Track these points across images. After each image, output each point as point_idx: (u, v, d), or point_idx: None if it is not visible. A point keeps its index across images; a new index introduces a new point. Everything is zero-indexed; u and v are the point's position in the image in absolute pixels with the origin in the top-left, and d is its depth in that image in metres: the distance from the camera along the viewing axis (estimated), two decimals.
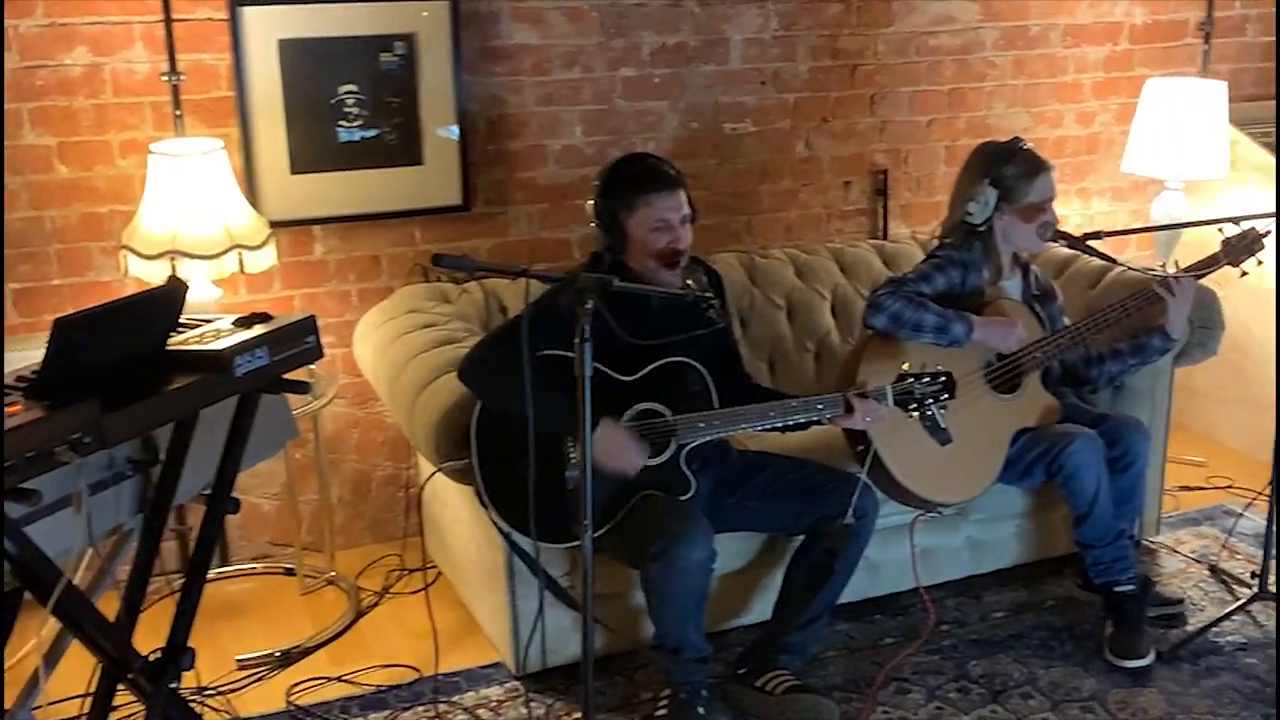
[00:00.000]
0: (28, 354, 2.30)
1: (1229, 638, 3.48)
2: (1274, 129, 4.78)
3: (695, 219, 3.13)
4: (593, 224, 3.11)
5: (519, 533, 2.99)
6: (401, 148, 3.76)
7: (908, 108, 4.38)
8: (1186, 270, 3.56)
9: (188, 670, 2.49)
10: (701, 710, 3.04)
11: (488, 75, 3.83)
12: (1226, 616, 3.54)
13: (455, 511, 3.48)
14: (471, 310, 3.63)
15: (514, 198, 3.96)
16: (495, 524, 3.05)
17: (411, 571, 3.80)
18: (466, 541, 3.46)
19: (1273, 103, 4.94)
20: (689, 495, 3.06)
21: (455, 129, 3.79)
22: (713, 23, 4.04)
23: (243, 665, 3.38)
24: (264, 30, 3.56)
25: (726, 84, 4.11)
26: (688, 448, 3.06)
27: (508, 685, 3.29)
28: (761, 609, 3.38)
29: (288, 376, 2.43)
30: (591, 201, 3.10)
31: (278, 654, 3.43)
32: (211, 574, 3.78)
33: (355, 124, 3.70)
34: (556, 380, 2.67)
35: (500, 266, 2.91)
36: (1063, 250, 4.01)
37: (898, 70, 4.33)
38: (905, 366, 3.14)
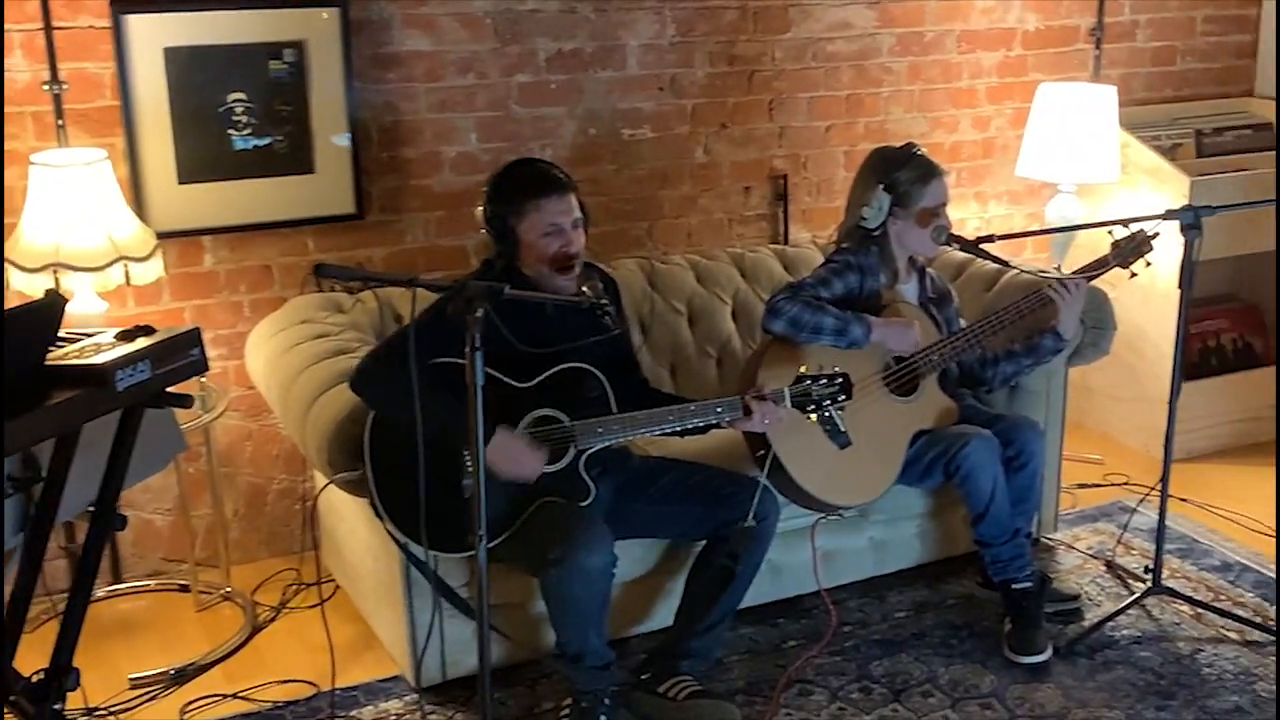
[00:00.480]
0: None
1: (1124, 632, 3.53)
2: (1161, 133, 4.89)
3: (587, 223, 3.12)
4: (483, 230, 3.08)
5: (415, 543, 2.96)
6: (292, 156, 3.70)
7: (806, 113, 4.40)
8: (1077, 272, 3.63)
9: (72, 690, 2.43)
10: (604, 718, 3.02)
11: (380, 82, 3.79)
12: (1121, 611, 3.59)
13: (351, 524, 3.44)
14: (365, 320, 3.58)
15: (409, 205, 3.91)
16: (390, 535, 3.01)
17: (309, 585, 3.73)
18: (363, 554, 3.41)
19: (1163, 106, 5.05)
20: (589, 501, 3.05)
21: (347, 137, 3.74)
22: (609, 29, 4.03)
23: (135, 684, 3.31)
24: (148, 38, 3.48)
25: (624, 90, 4.10)
26: (587, 453, 3.05)
27: (407, 699, 3.25)
28: (664, 615, 3.36)
29: (172, 390, 2.38)
30: (481, 207, 3.08)
31: (171, 672, 3.35)
32: (103, 591, 3.73)
33: (245, 132, 3.64)
34: (450, 388, 2.64)
35: (387, 276, 2.87)
36: (959, 254, 4.05)
37: (795, 76, 4.35)
38: (803, 369, 3.15)
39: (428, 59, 3.83)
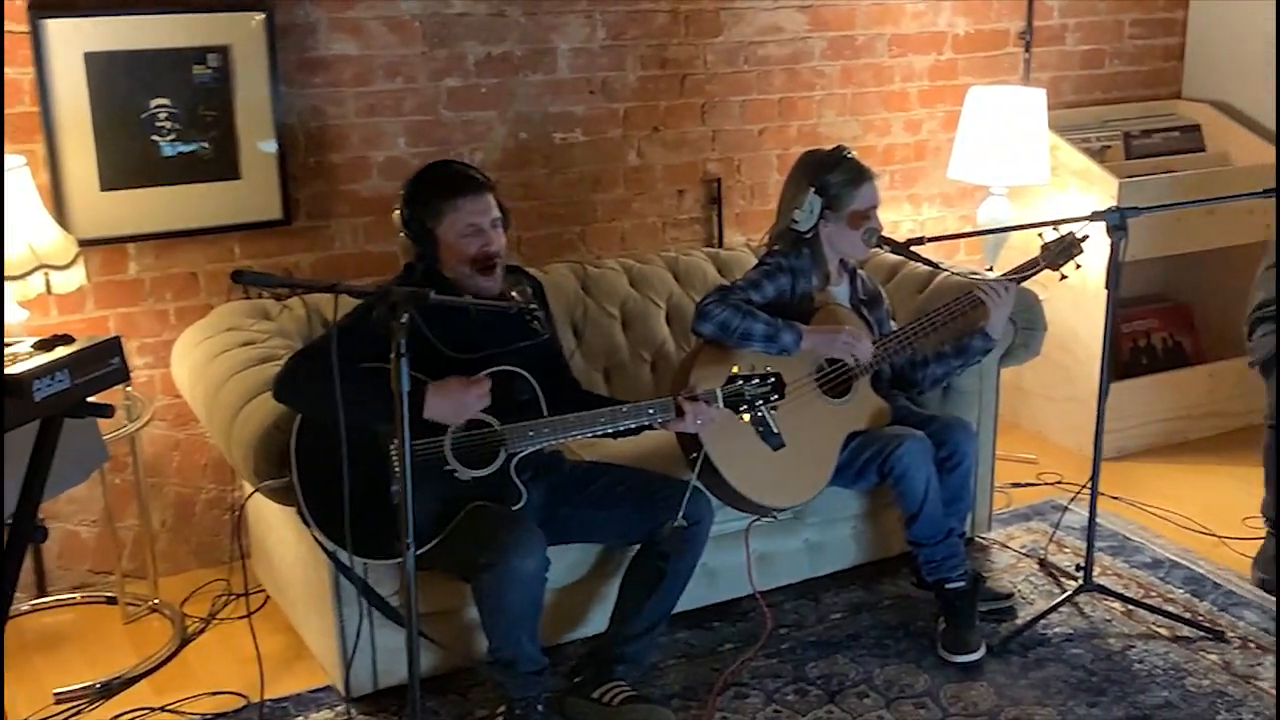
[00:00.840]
0: None
1: (1056, 629, 3.56)
2: (1091, 135, 4.94)
3: (507, 222, 3.12)
4: (401, 234, 3.06)
5: (343, 551, 2.92)
6: (218, 162, 3.65)
7: (739, 116, 4.41)
8: (1008, 274, 3.65)
9: None
10: None
11: (307, 87, 3.75)
12: (1053, 609, 3.62)
13: (280, 533, 3.40)
14: (293, 326, 3.54)
15: (337, 211, 3.87)
16: (319, 543, 2.98)
17: (238, 596, 3.68)
18: (292, 563, 3.37)
19: (1092, 109, 5.11)
20: (520, 505, 3.03)
21: (273, 142, 3.70)
22: (539, 32, 4.01)
23: (60, 699, 3.25)
24: (68, 43, 3.42)
25: (555, 93, 4.09)
26: (518, 457, 3.03)
27: (338, 709, 3.22)
28: (598, 621, 3.35)
29: (93, 400, 2.34)
30: (398, 211, 3.06)
31: (98, 685, 3.29)
32: (28, 605, 3.67)
33: (169, 138, 3.59)
34: (377, 389, 2.61)
35: (307, 282, 2.84)
36: (891, 256, 4.07)
37: (728, 79, 4.36)
38: (736, 369, 3.15)
39: (355, 63, 3.80)
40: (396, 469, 2.88)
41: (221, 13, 3.58)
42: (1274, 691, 3.26)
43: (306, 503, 2.93)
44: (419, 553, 2.84)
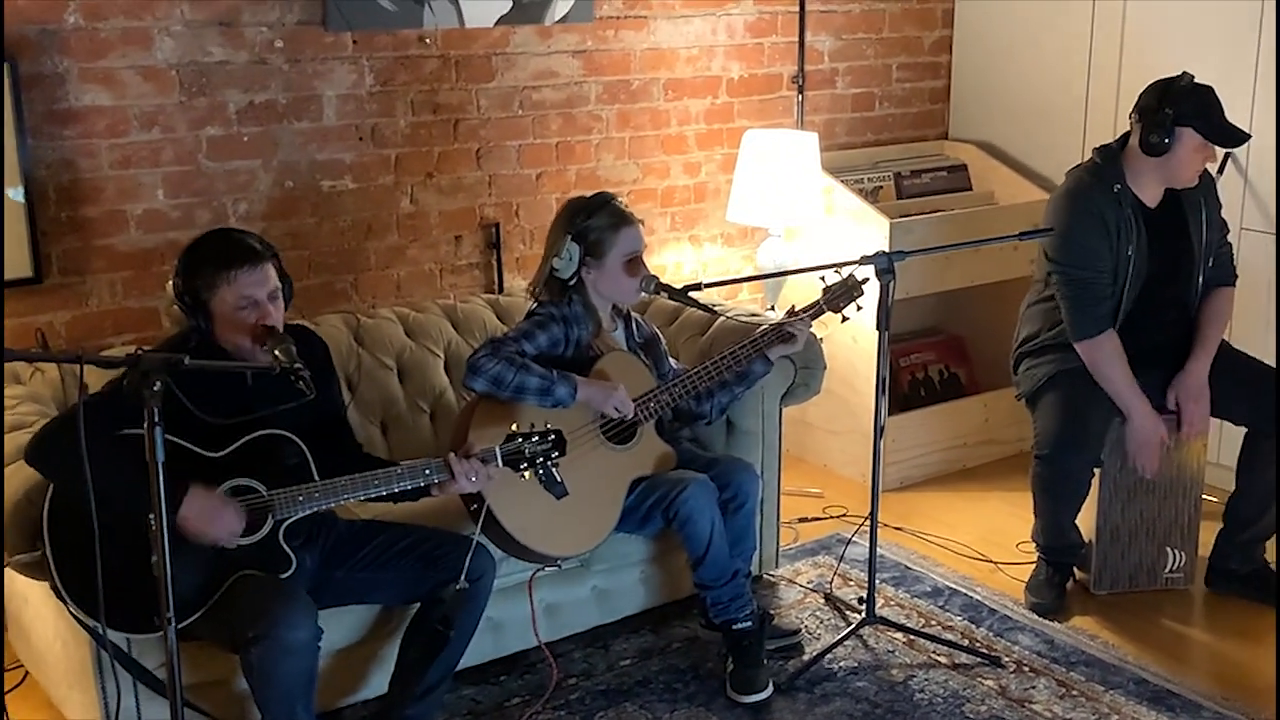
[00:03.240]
0: None
1: (842, 663, 3.61)
2: (864, 175, 5.08)
3: (289, 291, 3.03)
4: (174, 305, 2.95)
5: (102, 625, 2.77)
6: None
7: (515, 161, 4.38)
8: (793, 315, 3.67)
9: None
10: None
11: (57, 139, 3.57)
12: (839, 643, 3.67)
13: (36, 608, 3.21)
14: (47, 391, 3.35)
15: (93, 266, 3.70)
16: (76, 619, 2.82)
17: None
18: (51, 639, 3.18)
19: (864, 150, 5.25)
20: (289, 573, 2.93)
21: (21, 195, 3.51)
22: (304, 79, 3.91)
23: None
24: None
25: (322, 141, 3.99)
26: (287, 523, 2.92)
27: None
28: (378, 683, 3.25)
29: None
30: (172, 282, 2.95)
31: None
32: None
33: None
34: (135, 458, 2.49)
35: (48, 355, 2.72)
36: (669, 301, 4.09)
37: (503, 124, 4.33)
38: (515, 426, 3.11)
39: (109, 114, 3.64)
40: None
41: None
42: (1046, 715, 3.37)
43: (62, 575, 2.79)
44: (182, 625, 2.74)
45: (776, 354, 3.64)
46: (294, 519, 2.93)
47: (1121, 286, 3.74)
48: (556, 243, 3.46)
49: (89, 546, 2.62)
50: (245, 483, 2.90)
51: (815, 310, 3.68)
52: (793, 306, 3.71)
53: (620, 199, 3.54)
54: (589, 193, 3.59)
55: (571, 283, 3.47)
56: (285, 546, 2.92)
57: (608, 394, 3.40)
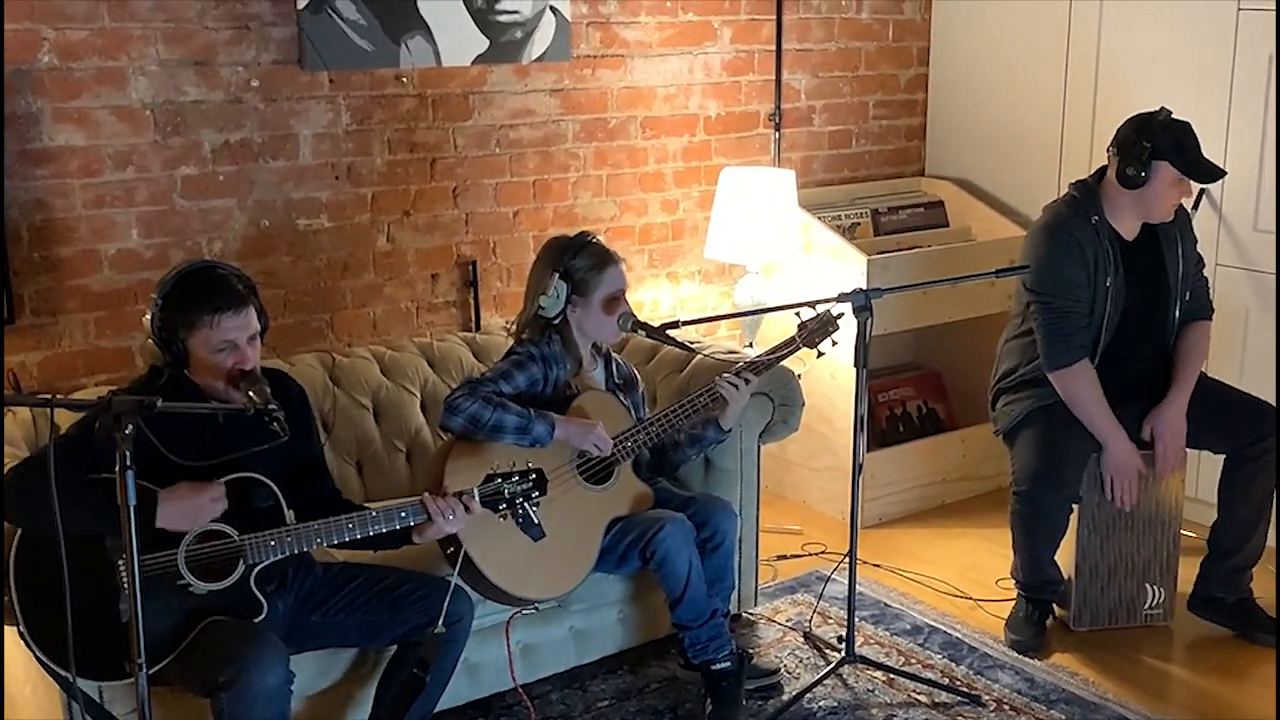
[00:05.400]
0: None
1: (821, 703, 3.58)
2: (841, 212, 5.09)
3: (265, 330, 2.99)
4: (149, 339, 2.91)
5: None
6: None
7: (492, 199, 4.37)
8: (765, 354, 3.65)
9: None
10: None
11: (29, 179, 3.55)
12: (818, 683, 3.64)
13: (6, 654, 3.15)
14: (18, 432, 3.30)
15: (66, 307, 3.67)
16: (43, 665, 2.78)
17: None
18: (21, 684, 3.14)
19: (842, 187, 5.26)
20: (261, 618, 2.89)
21: None
22: (279, 118, 3.90)
23: None
24: None
25: (298, 179, 3.98)
26: (258, 568, 2.89)
27: None
28: None
29: None
30: (149, 315, 2.91)
31: None
32: None
33: None
34: (105, 502, 2.48)
35: (15, 399, 2.71)
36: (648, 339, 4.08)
37: (479, 162, 4.32)
38: (495, 465, 3.08)
39: (82, 154, 3.62)
40: (125, 586, 2.71)
41: None
42: None
43: (29, 621, 2.75)
44: (153, 670, 2.71)
45: (732, 412, 3.57)
46: (266, 563, 2.90)
47: (1100, 319, 3.75)
48: (542, 281, 3.45)
49: (55, 593, 2.57)
50: (217, 527, 2.87)
51: (788, 347, 3.64)
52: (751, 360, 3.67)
53: (599, 237, 3.53)
54: (569, 231, 3.59)
55: (556, 321, 3.46)
56: (256, 592, 2.89)
57: (586, 431, 3.38)
